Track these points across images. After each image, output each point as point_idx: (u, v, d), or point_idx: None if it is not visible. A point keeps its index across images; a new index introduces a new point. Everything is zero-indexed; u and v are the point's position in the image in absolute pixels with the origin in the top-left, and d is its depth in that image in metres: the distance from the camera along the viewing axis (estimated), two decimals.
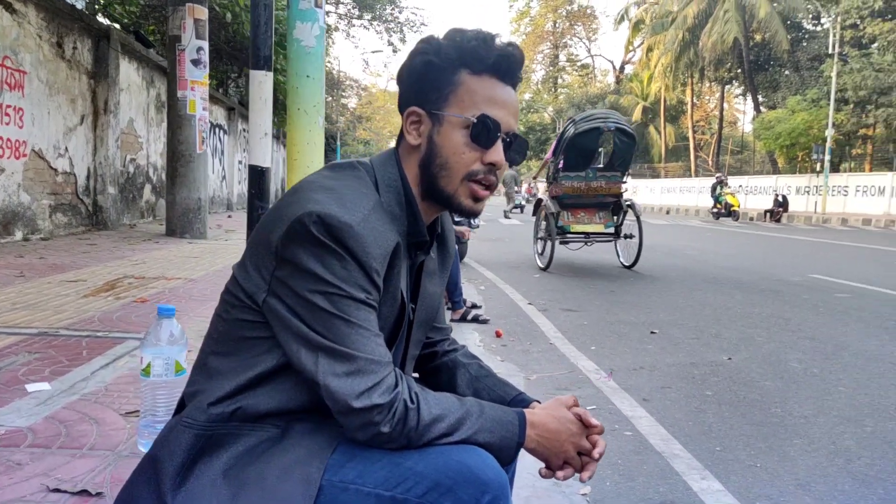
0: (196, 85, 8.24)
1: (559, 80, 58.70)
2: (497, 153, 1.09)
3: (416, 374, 1.31)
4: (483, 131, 1.08)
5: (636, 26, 41.74)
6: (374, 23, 27.81)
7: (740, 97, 44.45)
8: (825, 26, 30.14)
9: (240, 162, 18.19)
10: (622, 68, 50.35)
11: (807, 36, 32.52)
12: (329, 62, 32.61)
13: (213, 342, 1.09)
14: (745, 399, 3.21)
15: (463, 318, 4.67)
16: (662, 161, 40.53)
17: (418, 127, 1.11)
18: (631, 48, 46.61)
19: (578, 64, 58.64)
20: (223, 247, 7.74)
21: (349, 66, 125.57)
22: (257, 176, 3.24)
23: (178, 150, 8.42)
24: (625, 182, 8.26)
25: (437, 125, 1.09)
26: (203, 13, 8.12)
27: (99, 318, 3.60)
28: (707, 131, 44.42)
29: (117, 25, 12.00)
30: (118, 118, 9.23)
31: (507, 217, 19.54)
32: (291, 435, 1.02)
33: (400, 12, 27.64)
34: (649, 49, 38.76)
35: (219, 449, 1.01)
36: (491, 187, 1.12)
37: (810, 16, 31.90)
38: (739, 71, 34.98)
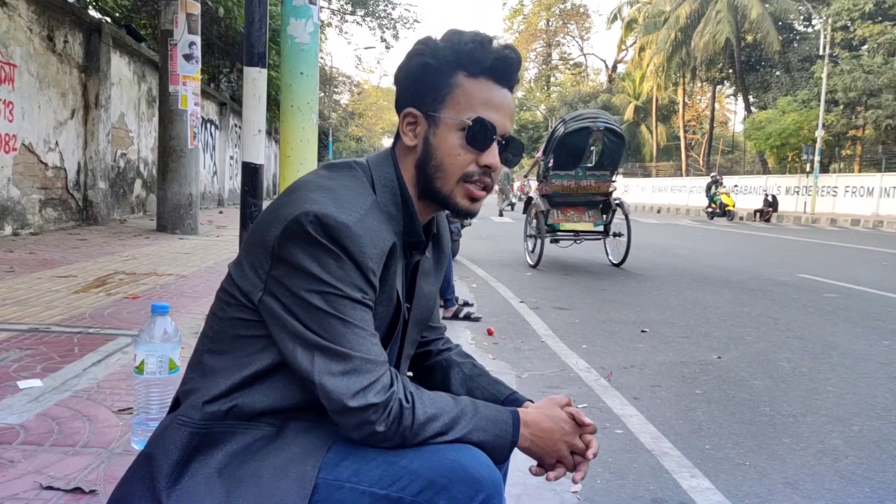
0: (188, 80, 8.20)
1: (552, 79, 58.78)
2: (492, 155, 1.10)
3: (410, 373, 1.31)
4: (478, 134, 1.08)
5: (629, 25, 41.85)
6: (367, 19, 27.75)
7: (731, 97, 44.62)
8: (816, 28, 30.31)
9: (231, 157, 18.10)
10: (615, 67, 50.47)
11: (798, 37, 32.69)
12: (322, 58, 32.48)
13: (209, 340, 1.09)
14: (734, 398, 3.24)
15: (455, 316, 4.68)
16: (654, 160, 40.66)
17: (414, 128, 1.12)
18: (623, 47, 46.74)
19: (571, 62, 58.73)
20: (214, 243, 7.71)
21: (342, 63, 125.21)
22: (251, 173, 3.22)
23: (170, 145, 8.38)
24: (614, 181, 8.32)
25: (433, 127, 1.10)
26: (196, 8, 8.08)
27: (90, 314, 3.58)
28: (698, 131, 44.60)
29: (109, 19, 11.92)
30: (109, 113, 9.18)
31: (501, 215, 19.62)
32: (286, 433, 1.03)
33: (393, 9, 27.60)
34: (642, 48, 38.85)
35: (214, 447, 1.02)
36: (487, 188, 1.13)
37: (801, 17, 32.07)
38: (731, 71, 35.13)
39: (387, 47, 30.98)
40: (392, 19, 27.54)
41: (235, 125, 18.13)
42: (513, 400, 1.23)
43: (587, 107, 36.96)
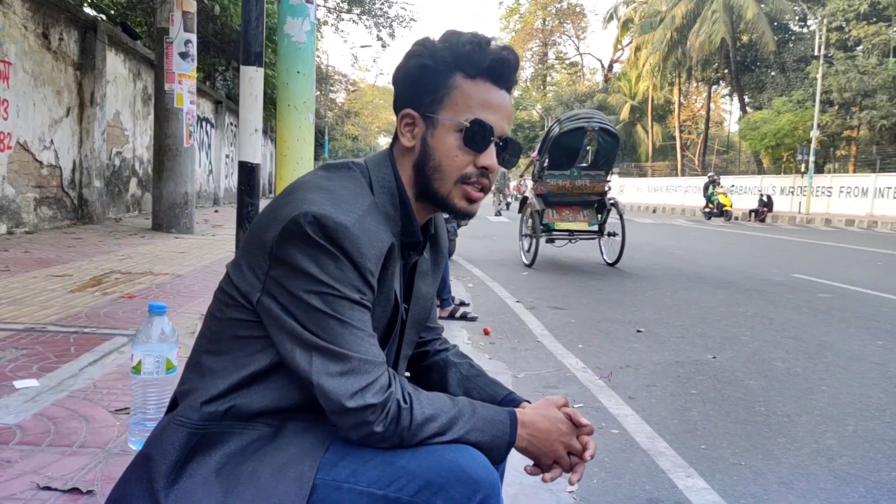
0: (184, 78, 8.18)
1: (548, 78, 58.78)
2: (490, 157, 1.10)
3: (407, 374, 1.32)
4: (476, 135, 1.09)
5: (625, 25, 41.88)
6: (364, 17, 27.69)
7: (727, 97, 44.74)
8: (811, 28, 30.42)
9: (227, 156, 18.07)
10: (611, 67, 50.50)
11: (793, 38, 32.78)
12: (318, 56, 32.45)
13: (207, 341, 1.09)
14: (729, 398, 3.26)
15: (451, 316, 4.68)
16: (649, 160, 40.74)
17: (412, 129, 1.12)
18: (619, 47, 46.75)
19: (567, 62, 58.75)
20: (210, 242, 7.70)
21: (338, 61, 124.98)
22: (247, 172, 3.22)
23: (165, 143, 8.36)
24: (608, 181, 8.37)
25: (431, 128, 1.10)
26: (192, 5, 8.05)
27: (86, 313, 3.58)
28: (694, 131, 44.68)
29: (104, 17, 11.88)
30: (104, 111, 9.15)
31: (498, 214, 19.66)
32: (284, 434, 1.03)
33: (389, 7, 27.53)
34: (637, 48, 38.89)
35: (212, 447, 1.02)
36: (484, 189, 1.13)
37: (797, 17, 32.17)
38: (726, 71, 35.21)
39: (383, 46, 30.97)
40: (388, 18, 27.48)
41: (231, 123, 18.09)
42: (510, 400, 1.24)
43: (583, 106, 37.03)
